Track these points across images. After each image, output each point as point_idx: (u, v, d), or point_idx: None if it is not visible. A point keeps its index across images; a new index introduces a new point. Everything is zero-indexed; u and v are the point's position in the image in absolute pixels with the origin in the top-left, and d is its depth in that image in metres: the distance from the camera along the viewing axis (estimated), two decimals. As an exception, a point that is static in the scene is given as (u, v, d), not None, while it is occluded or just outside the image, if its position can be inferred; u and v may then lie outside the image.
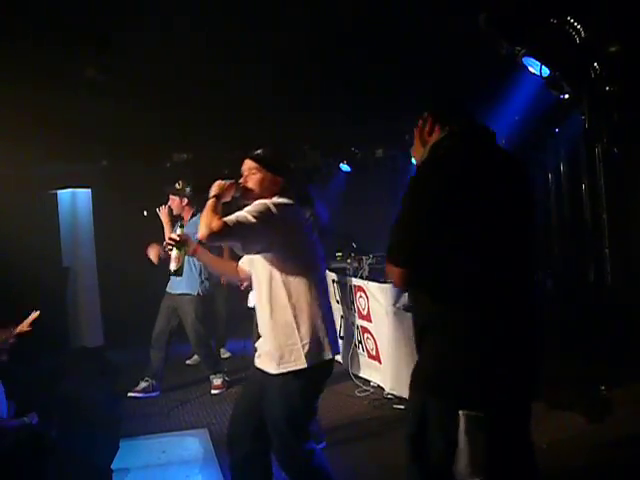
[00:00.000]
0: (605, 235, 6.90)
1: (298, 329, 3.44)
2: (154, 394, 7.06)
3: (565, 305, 7.76)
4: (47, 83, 6.28)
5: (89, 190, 10.21)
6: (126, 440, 5.72)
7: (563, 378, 5.87)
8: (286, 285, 3.45)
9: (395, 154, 10.40)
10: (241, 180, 3.58)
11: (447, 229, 2.54)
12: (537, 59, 5.67)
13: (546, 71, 5.76)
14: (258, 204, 3.39)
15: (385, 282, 6.57)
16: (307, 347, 3.42)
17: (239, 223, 3.25)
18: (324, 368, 3.55)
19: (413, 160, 2.99)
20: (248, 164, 3.61)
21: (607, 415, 5.46)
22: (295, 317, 3.44)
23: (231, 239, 3.31)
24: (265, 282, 3.50)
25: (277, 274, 3.46)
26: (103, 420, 6.23)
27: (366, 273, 7.10)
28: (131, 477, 5.10)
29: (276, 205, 3.39)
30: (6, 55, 5.60)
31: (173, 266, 3.86)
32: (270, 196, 3.52)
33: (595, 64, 5.63)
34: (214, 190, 3.44)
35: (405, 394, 6.33)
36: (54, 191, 10.11)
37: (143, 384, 7.10)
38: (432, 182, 2.61)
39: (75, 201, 10.17)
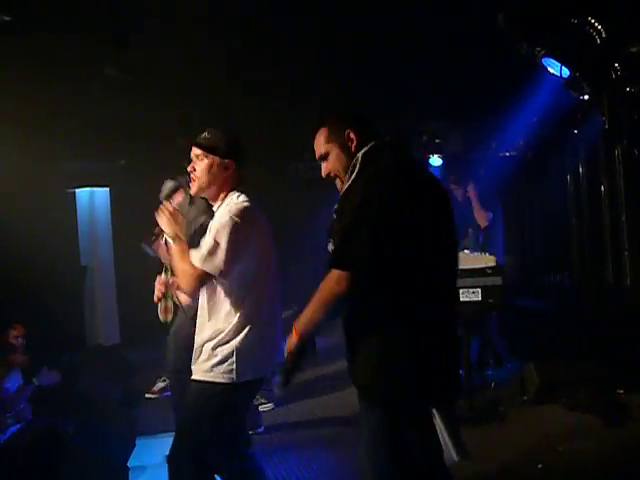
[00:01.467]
0: (624, 236, 6.85)
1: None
2: (171, 394, 7.07)
3: (583, 306, 7.70)
4: (67, 82, 6.32)
5: (107, 189, 10.27)
6: (142, 438, 5.74)
7: (580, 380, 5.84)
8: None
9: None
10: (189, 168, 3.37)
11: (392, 242, 2.60)
12: (557, 60, 5.63)
13: (566, 72, 5.71)
14: (223, 224, 3.15)
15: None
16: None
17: (213, 263, 3.09)
18: None
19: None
20: (194, 151, 3.37)
21: (624, 418, 5.41)
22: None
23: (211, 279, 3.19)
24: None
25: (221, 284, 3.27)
26: (119, 418, 6.27)
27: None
28: (147, 475, 5.09)
29: (239, 216, 3.17)
30: (27, 54, 5.64)
31: (164, 318, 3.80)
32: (225, 187, 3.35)
33: (615, 64, 5.57)
34: (167, 230, 3.28)
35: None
36: (72, 190, 10.17)
37: (160, 384, 7.10)
38: (384, 197, 2.63)
39: (93, 200, 10.23)
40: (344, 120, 2.92)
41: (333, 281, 2.63)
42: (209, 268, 3.10)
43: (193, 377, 3.34)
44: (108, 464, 5.16)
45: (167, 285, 3.93)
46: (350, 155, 2.85)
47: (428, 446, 2.78)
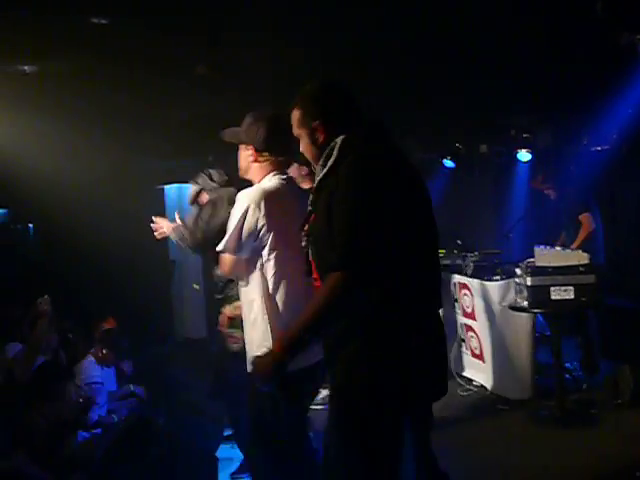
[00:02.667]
0: None
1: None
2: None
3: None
4: (157, 79, 6.45)
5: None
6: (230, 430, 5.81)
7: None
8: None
9: (500, 150, 10.15)
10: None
11: (385, 233, 2.47)
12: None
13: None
14: (235, 207, 3.30)
15: (491, 280, 6.43)
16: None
17: (225, 244, 3.28)
18: None
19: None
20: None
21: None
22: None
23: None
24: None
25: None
26: (207, 410, 6.36)
27: (471, 270, 6.95)
28: (235, 466, 5.16)
29: (251, 198, 3.27)
30: (121, 55, 5.78)
31: (236, 348, 3.88)
32: (261, 173, 3.45)
33: None
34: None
35: (510, 394, 6.20)
36: (161, 186, 10.41)
37: None
38: (372, 188, 2.48)
39: (181, 196, 10.42)
40: (316, 109, 2.74)
41: (335, 283, 2.44)
42: (220, 248, 3.28)
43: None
44: (197, 454, 5.26)
45: (231, 318, 4.07)
46: (318, 146, 2.71)
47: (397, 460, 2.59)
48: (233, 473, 5.03)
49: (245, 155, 3.49)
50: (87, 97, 6.66)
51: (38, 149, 7.58)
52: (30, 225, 10.24)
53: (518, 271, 5.76)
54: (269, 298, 3.28)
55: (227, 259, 3.35)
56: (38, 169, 7.62)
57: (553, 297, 5.51)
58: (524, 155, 9.38)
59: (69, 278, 8.27)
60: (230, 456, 5.33)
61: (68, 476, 4.01)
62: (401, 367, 2.51)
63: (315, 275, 2.68)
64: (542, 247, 5.81)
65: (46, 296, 4.95)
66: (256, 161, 3.44)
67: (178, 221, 4.09)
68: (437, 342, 2.70)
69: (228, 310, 4.19)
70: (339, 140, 2.60)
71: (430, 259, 2.70)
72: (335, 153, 2.58)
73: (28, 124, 6.85)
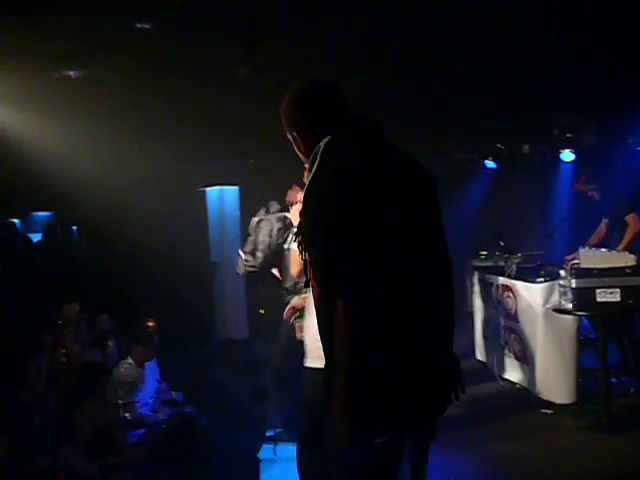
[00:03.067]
0: None
1: None
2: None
3: None
4: (200, 83, 6.51)
5: (237, 187, 10.53)
6: (272, 431, 5.84)
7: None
8: None
9: (543, 150, 10.04)
10: None
11: (373, 249, 2.25)
12: None
13: None
14: None
15: (534, 282, 6.35)
16: None
17: None
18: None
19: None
20: None
21: None
22: None
23: None
24: None
25: None
26: (249, 411, 6.41)
27: (513, 272, 6.88)
28: (276, 468, 5.18)
29: None
30: (161, 56, 5.84)
31: (300, 336, 3.93)
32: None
33: None
34: None
35: (553, 398, 6.12)
36: (203, 188, 10.51)
37: None
38: (350, 202, 2.23)
39: (223, 198, 10.52)
40: (288, 120, 2.57)
41: (346, 316, 2.22)
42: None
43: (308, 365, 3.55)
44: (239, 455, 5.30)
45: (296, 307, 4.14)
46: (302, 151, 2.57)
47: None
48: None
49: None
50: (131, 101, 6.75)
51: (82, 153, 7.71)
52: (74, 227, 10.44)
53: (562, 273, 5.68)
54: None
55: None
56: (83, 172, 7.74)
57: (599, 299, 5.43)
58: (567, 155, 9.27)
59: (112, 278, 8.39)
60: (271, 457, 5.35)
61: (113, 476, 4.06)
62: (400, 383, 2.31)
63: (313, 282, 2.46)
64: (587, 248, 5.73)
65: (74, 304, 5.08)
66: None
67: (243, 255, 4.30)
68: (442, 356, 2.48)
69: (295, 300, 4.24)
70: (322, 144, 2.42)
71: (433, 271, 2.46)
72: (318, 159, 2.41)
73: (73, 128, 6.97)
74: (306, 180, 2.45)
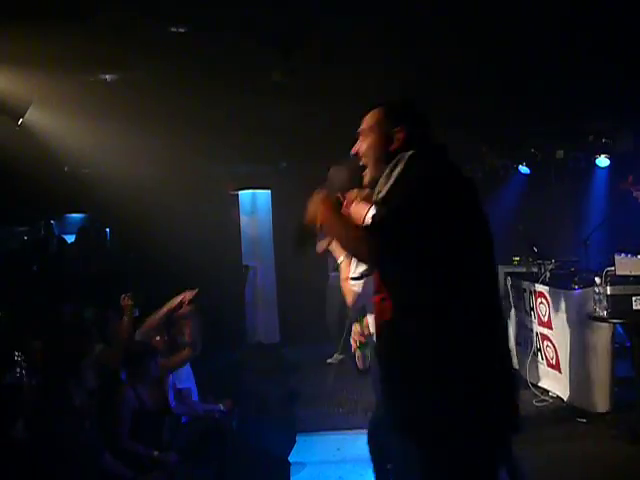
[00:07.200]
0: None
1: None
2: None
3: None
4: (232, 88, 6.54)
5: (269, 191, 10.56)
6: (302, 435, 5.84)
7: None
8: None
9: (577, 156, 9.92)
10: None
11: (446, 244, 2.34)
12: None
13: None
14: None
15: (568, 288, 6.27)
16: None
17: None
18: None
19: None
20: None
21: None
22: None
23: None
24: None
25: None
26: (280, 414, 6.41)
27: (547, 278, 6.80)
28: (307, 471, 5.19)
29: None
30: (196, 60, 5.88)
31: (362, 366, 3.92)
32: None
33: None
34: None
35: (588, 407, 6.03)
36: (235, 192, 10.56)
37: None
38: (433, 209, 2.33)
39: (255, 202, 10.56)
40: (403, 115, 2.65)
41: (366, 240, 2.35)
42: None
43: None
44: (270, 458, 5.30)
45: (364, 335, 4.07)
46: (385, 151, 2.60)
47: None
48: None
49: None
50: (165, 105, 6.80)
51: (117, 156, 7.80)
52: (107, 229, 10.56)
53: (597, 280, 5.60)
54: None
55: None
56: (117, 175, 7.82)
57: (635, 307, 5.34)
58: (603, 160, 9.14)
59: (143, 280, 8.45)
60: (302, 460, 5.35)
61: (147, 474, 4.09)
62: (482, 394, 2.32)
63: (383, 294, 2.53)
64: (623, 255, 5.64)
65: (129, 294, 5.11)
66: None
67: None
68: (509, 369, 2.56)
69: (355, 331, 4.18)
70: (407, 155, 2.52)
71: (494, 276, 2.63)
72: (400, 167, 2.50)
73: (108, 132, 7.04)
74: (381, 184, 2.56)
